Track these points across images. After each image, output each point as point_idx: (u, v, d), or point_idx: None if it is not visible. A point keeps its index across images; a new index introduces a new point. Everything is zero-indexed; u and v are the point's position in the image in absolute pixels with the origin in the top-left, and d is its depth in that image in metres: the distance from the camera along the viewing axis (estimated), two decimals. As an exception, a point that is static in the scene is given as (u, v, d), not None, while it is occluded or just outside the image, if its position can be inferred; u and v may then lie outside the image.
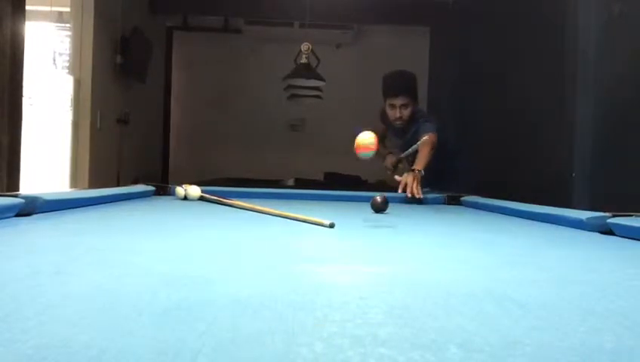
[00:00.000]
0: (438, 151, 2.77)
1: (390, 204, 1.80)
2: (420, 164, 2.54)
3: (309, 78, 3.84)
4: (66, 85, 3.90)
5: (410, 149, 2.48)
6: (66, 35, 4.22)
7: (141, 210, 1.68)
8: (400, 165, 2.84)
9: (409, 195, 2.36)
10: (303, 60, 3.82)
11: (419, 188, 2.40)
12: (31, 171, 3.21)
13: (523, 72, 3.46)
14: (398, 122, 2.89)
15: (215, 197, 1.96)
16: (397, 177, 2.46)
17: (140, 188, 2.17)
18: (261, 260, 0.84)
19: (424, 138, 2.53)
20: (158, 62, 5.54)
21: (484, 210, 2.05)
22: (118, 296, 0.55)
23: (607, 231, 1.27)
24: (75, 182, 3.90)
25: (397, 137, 3.04)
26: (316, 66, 3.88)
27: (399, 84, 2.87)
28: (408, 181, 2.38)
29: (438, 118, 3.18)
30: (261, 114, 6.19)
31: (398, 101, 2.83)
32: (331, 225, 1.22)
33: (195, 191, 2.03)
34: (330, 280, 0.69)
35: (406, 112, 2.85)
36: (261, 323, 0.46)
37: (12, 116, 2.60)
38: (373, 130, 1.96)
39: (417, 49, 5.77)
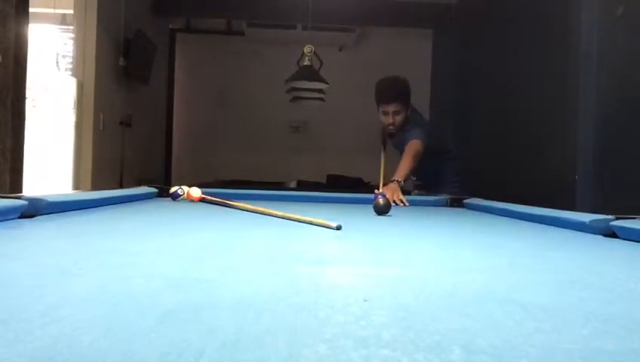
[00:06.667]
0: (438, 153, 2.76)
1: (393, 207, 1.80)
2: (399, 174, 2.54)
3: (311, 80, 3.84)
4: (69, 87, 3.91)
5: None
6: (70, 38, 4.24)
7: (144, 211, 1.69)
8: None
9: (393, 203, 2.35)
10: (306, 63, 3.82)
11: (402, 197, 2.39)
12: (34, 173, 3.21)
13: (525, 73, 3.45)
14: (390, 127, 2.91)
15: (214, 199, 1.95)
16: (377, 191, 2.36)
17: (143, 190, 2.18)
18: (264, 261, 0.84)
19: (407, 145, 2.53)
20: (161, 65, 5.55)
21: (486, 212, 2.05)
22: (121, 297, 0.55)
23: (611, 233, 1.26)
24: (77, 184, 3.91)
25: (393, 146, 3.03)
26: (319, 69, 3.88)
27: (392, 91, 2.87)
28: (388, 195, 2.30)
29: (429, 124, 3.11)
30: (264, 116, 6.19)
31: (391, 108, 2.84)
32: (338, 227, 1.22)
33: (195, 192, 2.03)
34: (333, 282, 0.69)
35: (398, 118, 2.86)
36: (264, 324, 0.46)
37: (15, 118, 2.61)
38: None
39: (420, 51, 5.78)
